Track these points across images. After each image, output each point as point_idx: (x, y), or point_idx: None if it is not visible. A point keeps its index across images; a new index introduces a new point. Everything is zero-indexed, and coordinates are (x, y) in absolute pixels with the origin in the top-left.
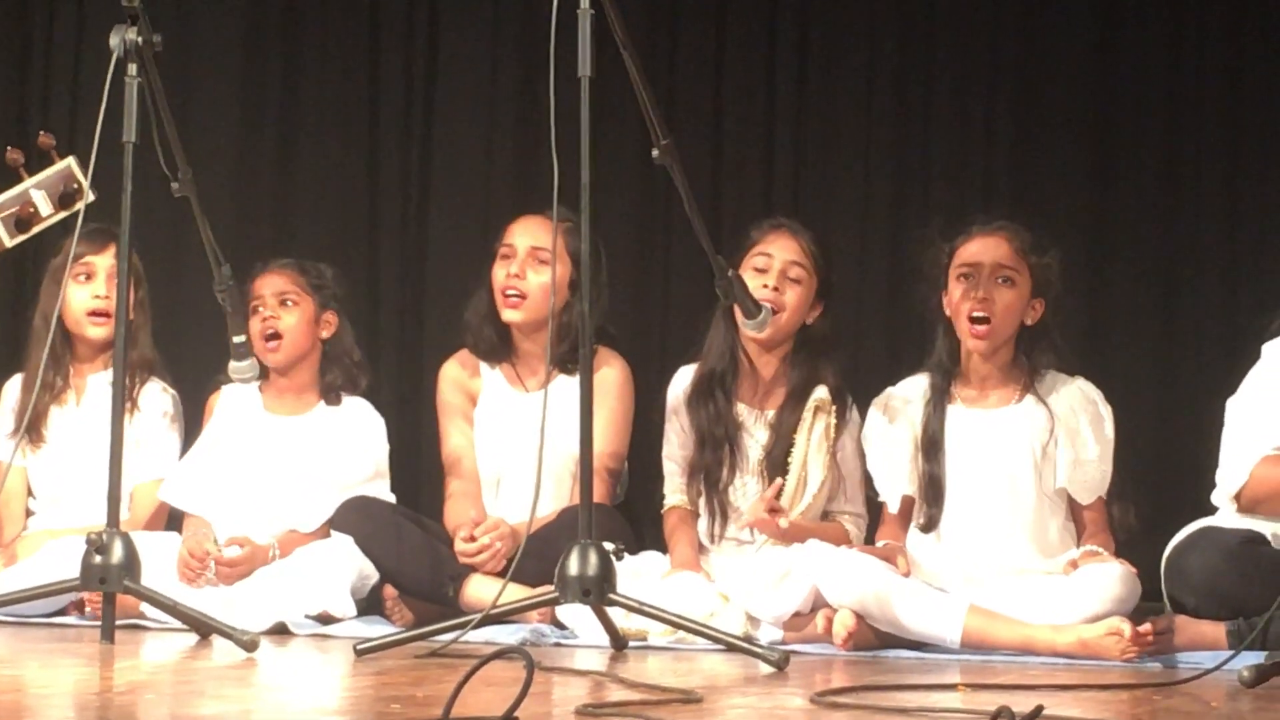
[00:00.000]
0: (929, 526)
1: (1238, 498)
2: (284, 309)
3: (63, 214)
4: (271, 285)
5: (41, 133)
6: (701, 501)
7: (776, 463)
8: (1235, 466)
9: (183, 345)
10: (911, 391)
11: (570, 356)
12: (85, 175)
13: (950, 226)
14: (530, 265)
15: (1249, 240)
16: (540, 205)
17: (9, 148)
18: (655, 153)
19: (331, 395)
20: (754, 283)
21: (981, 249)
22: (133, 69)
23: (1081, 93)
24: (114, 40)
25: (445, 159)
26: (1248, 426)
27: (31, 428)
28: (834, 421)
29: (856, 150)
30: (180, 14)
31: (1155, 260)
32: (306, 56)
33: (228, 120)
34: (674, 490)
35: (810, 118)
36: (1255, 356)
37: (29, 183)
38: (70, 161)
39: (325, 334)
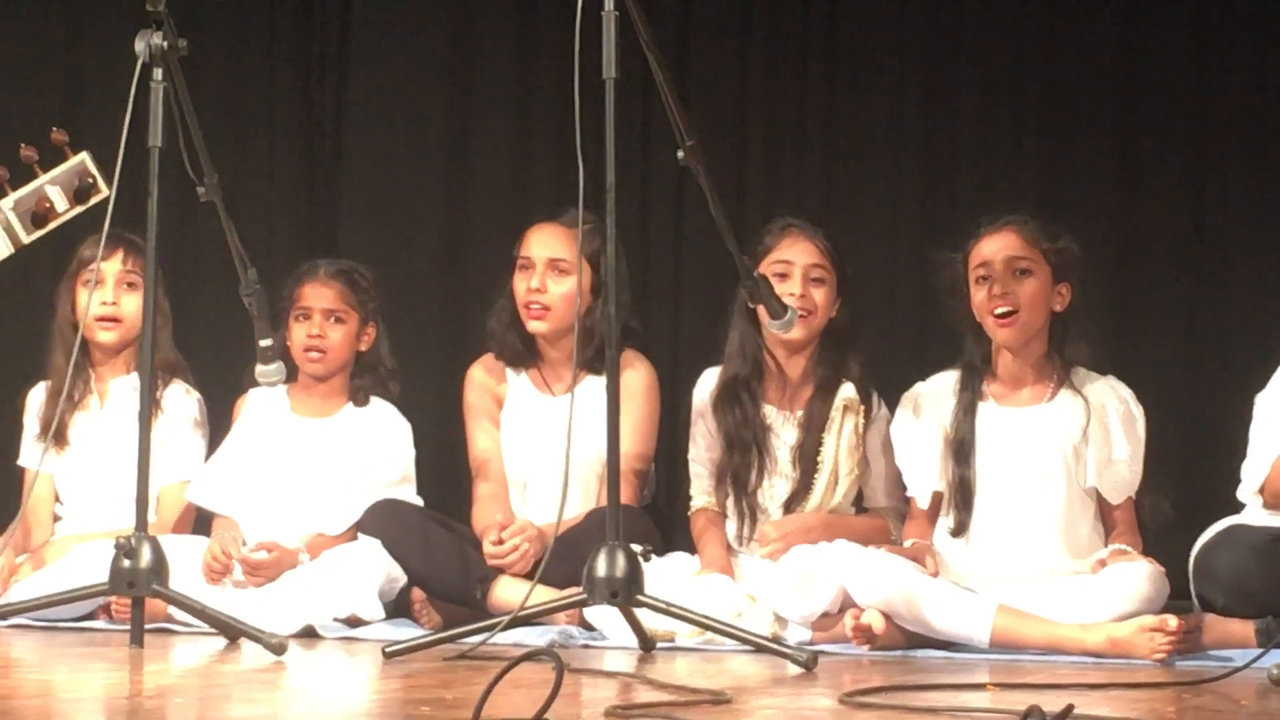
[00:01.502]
0: (959, 531)
1: (1262, 491)
2: (331, 325)
3: (79, 208)
4: (322, 299)
5: (54, 129)
6: (730, 504)
7: (808, 458)
8: (1259, 460)
9: (210, 349)
10: (941, 388)
11: (596, 358)
12: (111, 180)
13: (960, 236)
14: (550, 276)
15: (1276, 236)
16: (556, 210)
17: (21, 145)
18: (680, 154)
19: (360, 396)
20: (778, 289)
21: (992, 247)
22: (158, 74)
23: (1106, 92)
24: (139, 45)
25: (481, 164)
26: (1273, 422)
27: (56, 434)
28: (862, 421)
29: (886, 150)
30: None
31: (1182, 258)
32: (349, 57)
33: (266, 121)
34: (701, 492)
35: (840, 119)
36: None
37: (44, 179)
38: (84, 156)
39: (363, 347)
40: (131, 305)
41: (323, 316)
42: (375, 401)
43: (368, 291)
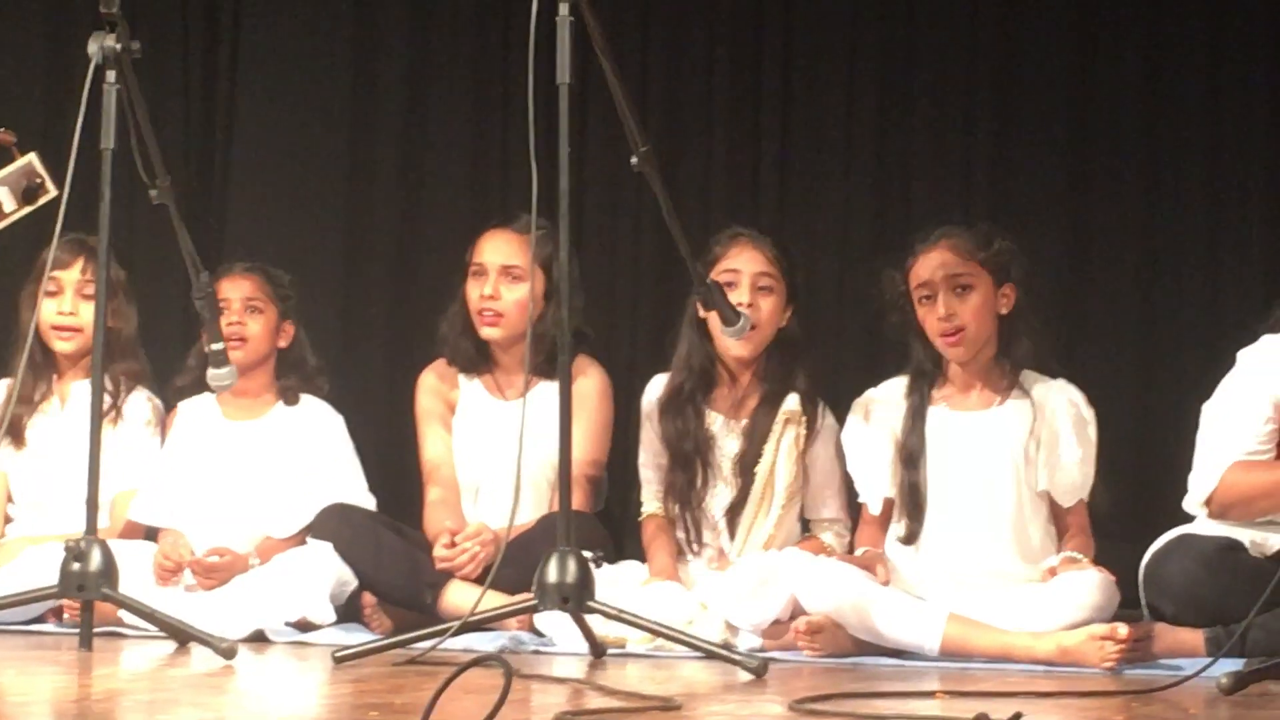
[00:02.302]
0: (910, 538)
1: (1208, 503)
2: (249, 315)
3: (27, 209)
4: (239, 290)
5: (1, 130)
6: (676, 511)
7: (748, 469)
8: (1206, 472)
9: (168, 354)
10: (892, 394)
11: (549, 363)
12: (60, 178)
13: (898, 254)
14: (503, 283)
15: (1229, 244)
16: (512, 216)
17: None
18: (634, 160)
19: (289, 395)
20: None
21: (928, 266)
22: (111, 76)
23: (1060, 96)
24: (92, 47)
25: (431, 167)
26: (1220, 433)
27: (14, 434)
28: (803, 432)
29: (838, 158)
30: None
31: (1134, 264)
32: (304, 61)
33: (221, 127)
34: (650, 498)
35: (794, 127)
36: (1234, 361)
37: None
38: (31, 157)
39: (283, 343)
40: (91, 313)
41: (241, 305)
42: (305, 398)
43: (282, 288)
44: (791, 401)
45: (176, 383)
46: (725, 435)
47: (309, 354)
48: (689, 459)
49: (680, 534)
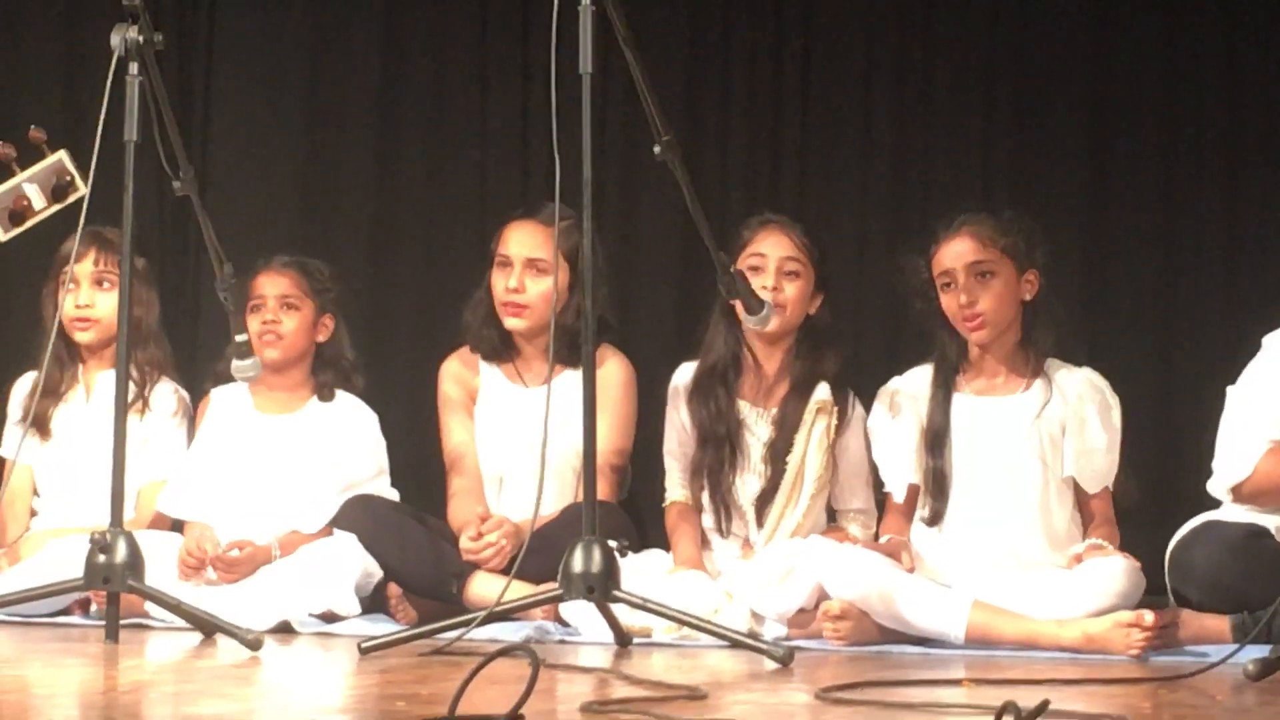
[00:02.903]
0: (934, 520)
1: (1237, 489)
2: (285, 312)
3: (56, 206)
4: (275, 286)
5: (32, 127)
6: (705, 497)
7: (779, 457)
8: (1235, 458)
9: (187, 346)
10: (916, 382)
11: (572, 352)
12: (87, 175)
13: (921, 240)
14: (528, 274)
15: (1250, 227)
16: (537, 206)
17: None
18: (657, 149)
19: (325, 391)
20: (753, 282)
21: (950, 254)
22: (134, 68)
23: (1079, 81)
24: (115, 39)
25: (453, 157)
26: (1247, 417)
27: (39, 426)
28: (834, 423)
29: (857, 143)
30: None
31: (1155, 249)
32: (329, 53)
33: (246, 119)
34: (675, 485)
35: (813, 114)
36: (1258, 345)
37: (21, 177)
38: (62, 155)
39: (321, 337)
40: (107, 303)
41: (276, 303)
42: (340, 395)
43: (322, 282)
44: (822, 391)
45: (218, 367)
46: (755, 422)
47: (347, 348)
48: (720, 441)
49: (708, 519)
